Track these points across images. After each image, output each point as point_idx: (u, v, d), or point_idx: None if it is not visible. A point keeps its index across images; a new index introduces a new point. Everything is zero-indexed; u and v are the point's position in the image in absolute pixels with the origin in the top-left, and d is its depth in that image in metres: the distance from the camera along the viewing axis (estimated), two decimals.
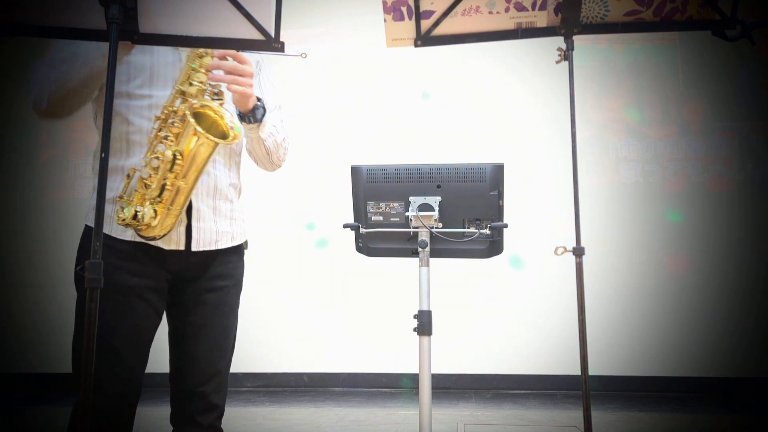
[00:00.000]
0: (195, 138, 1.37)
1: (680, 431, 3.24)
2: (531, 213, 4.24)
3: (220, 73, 1.42)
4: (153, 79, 1.46)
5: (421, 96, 4.51)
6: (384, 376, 4.23)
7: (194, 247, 1.46)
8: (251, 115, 1.48)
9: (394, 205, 1.81)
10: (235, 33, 1.32)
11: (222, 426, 1.56)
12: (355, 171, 1.84)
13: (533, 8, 1.65)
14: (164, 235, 1.40)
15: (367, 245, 1.88)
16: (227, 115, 1.43)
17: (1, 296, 4.59)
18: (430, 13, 1.66)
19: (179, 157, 1.36)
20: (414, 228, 1.78)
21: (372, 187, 1.82)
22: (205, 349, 1.51)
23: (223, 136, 1.41)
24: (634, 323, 4.11)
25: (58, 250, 4.53)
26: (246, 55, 1.48)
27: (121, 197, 1.40)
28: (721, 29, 1.62)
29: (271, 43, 1.32)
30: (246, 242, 1.63)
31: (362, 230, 1.84)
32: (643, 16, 1.64)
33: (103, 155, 1.14)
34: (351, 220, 1.87)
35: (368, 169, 1.82)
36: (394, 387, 4.17)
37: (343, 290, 4.35)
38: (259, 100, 1.50)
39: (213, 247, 1.50)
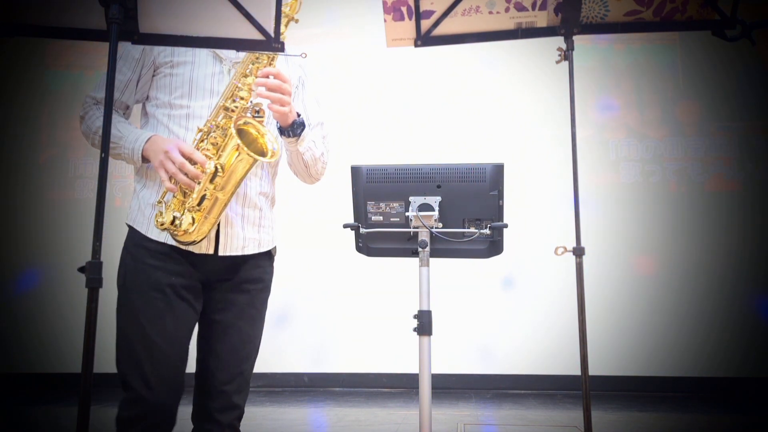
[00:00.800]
0: (236, 153, 1.44)
1: (680, 431, 3.24)
2: (531, 213, 4.24)
3: (262, 90, 1.47)
4: (192, 90, 1.53)
5: (421, 96, 4.51)
6: (384, 376, 4.23)
7: (221, 252, 1.52)
8: (290, 129, 1.54)
9: (394, 205, 1.81)
10: (235, 33, 1.32)
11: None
12: (355, 171, 1.84)
13: (533, 8, 1.65)
14: (199, 240, 1.46)
15: (367, 245, 1.88)
16: (269, 134, 1.50)
17: (1, 296, 4.59)
18: (430, 13, 1.66)
19: (220, 170, 1.43)
20: (414, 228, 1.77)
21: (372, 187, 1.81)
22: (230, 350, 1.54)
23: (262, 153, 1.48)
24: (634, 323, 4.11)
25: (58, 250, 4.53)
26: (289, 72, 1.55)
27: (159, 202, 1.48)
28: (721, 29, 1.62)
29: (271, 43, 1.32)
30: (275, 248, 1.68)
31: (362, 230, 1.84)
32: (643, 16, 1.64)
33: (102, 155, 1.15)
34: (351, 220, 1.87)
35: (368, 169, 1.82)
36: (394, 387, 4.17)
37: (343, 290, 4.35)
38: (298, 115, 1.55)
39: (240, 253, 1.55)
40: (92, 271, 1.11)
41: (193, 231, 1.43)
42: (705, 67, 4.32)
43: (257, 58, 1.50)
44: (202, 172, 1.43)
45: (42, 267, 4.55)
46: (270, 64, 1.51)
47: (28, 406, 3.86)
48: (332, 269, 4.36)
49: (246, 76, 1.50)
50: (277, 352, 4.27)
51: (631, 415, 3.45)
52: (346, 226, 1.86)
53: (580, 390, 1.59)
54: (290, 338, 4.30)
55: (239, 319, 1.56)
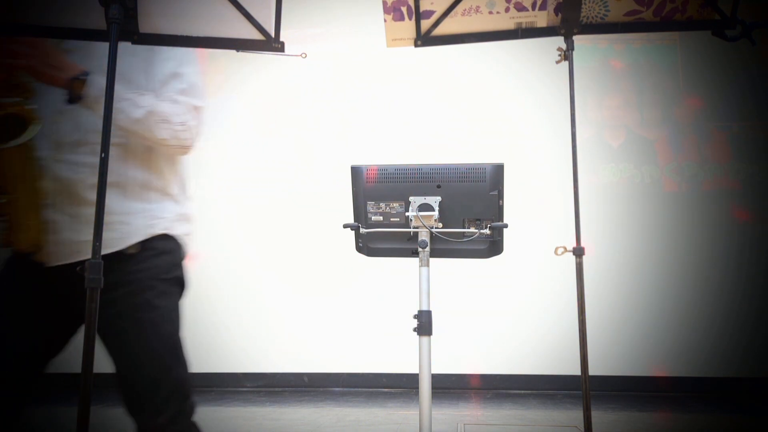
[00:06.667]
0: None
1: (680, 431, 3.24)
2: (531, 213, 4.24)
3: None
4: None
5: (421, 96, 4.51)
6: (384, 376, 4.23)
7: (48, 263, 1.35)
8: (69, 92, 1.29)
9: (394, 205, 1.81)
10: (235, 33, 1.32)
11: (198, 425, 1.49)
12: (355, 171, 1.84)
13: (533, 8, 1.65)
14: (35, 248, 1.33)
15: (367, 245, 1.88)
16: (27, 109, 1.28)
17: None
18: (430, 13, 1.66)
19: None
20: (414, 228, 1.78)
21: (372, 187, 1.82)
22: (118, 360, 1.43)
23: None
24: (633, 323, 4.10)
25: None
26: None
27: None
28: (721, 29, 1.62)
29: (271, 43, 1.32)
30: (136, 245, 1.39)
31: (362, 230, 1.84)
32: (643, 16, 1.64)
33: (102, 155, 1.15)
34: (351, 220, 1.87)
35: (368, 169, 1.82)
36: (394, 387, 4.17)
37: (342, 290, 4.35)
38: (83, 73, 1.30)
39: (73, 259, 1.34)
40: (92, 271, 1.11)
41: (16, 239, 1.32)
42: (705, 67, 4.32)
43: None
44: None
45: None
46: None
47: (28, 406, 3.85)
48: (332, 269, 4.35)
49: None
50: (277, 352, 4.28)
51: (631, 415, 3.45)
52: (346, 226, 1.86)
53: (580, 390, 1.60)
54: (290, 338, 4.30)
55: (112, 328, 1.37)
